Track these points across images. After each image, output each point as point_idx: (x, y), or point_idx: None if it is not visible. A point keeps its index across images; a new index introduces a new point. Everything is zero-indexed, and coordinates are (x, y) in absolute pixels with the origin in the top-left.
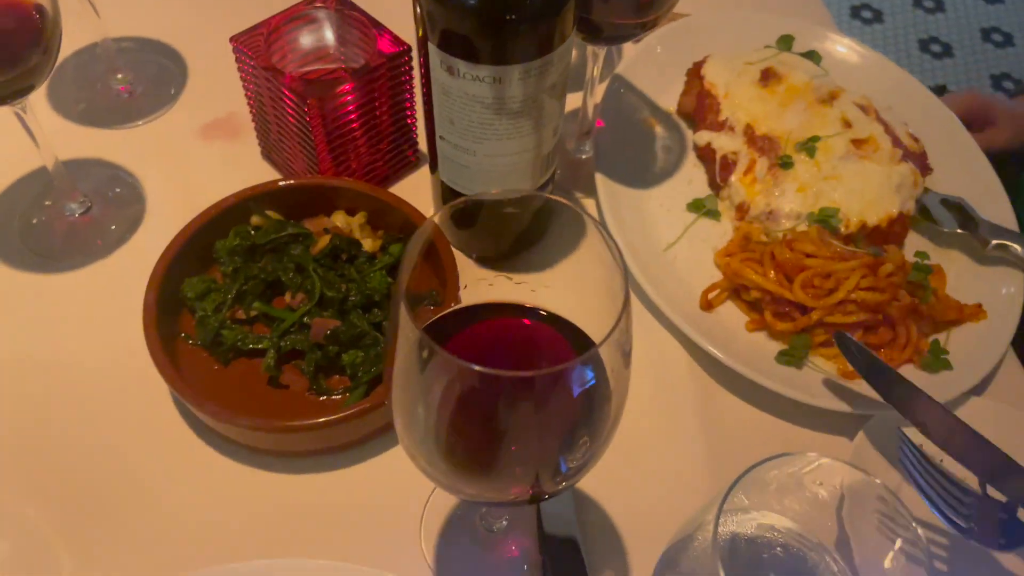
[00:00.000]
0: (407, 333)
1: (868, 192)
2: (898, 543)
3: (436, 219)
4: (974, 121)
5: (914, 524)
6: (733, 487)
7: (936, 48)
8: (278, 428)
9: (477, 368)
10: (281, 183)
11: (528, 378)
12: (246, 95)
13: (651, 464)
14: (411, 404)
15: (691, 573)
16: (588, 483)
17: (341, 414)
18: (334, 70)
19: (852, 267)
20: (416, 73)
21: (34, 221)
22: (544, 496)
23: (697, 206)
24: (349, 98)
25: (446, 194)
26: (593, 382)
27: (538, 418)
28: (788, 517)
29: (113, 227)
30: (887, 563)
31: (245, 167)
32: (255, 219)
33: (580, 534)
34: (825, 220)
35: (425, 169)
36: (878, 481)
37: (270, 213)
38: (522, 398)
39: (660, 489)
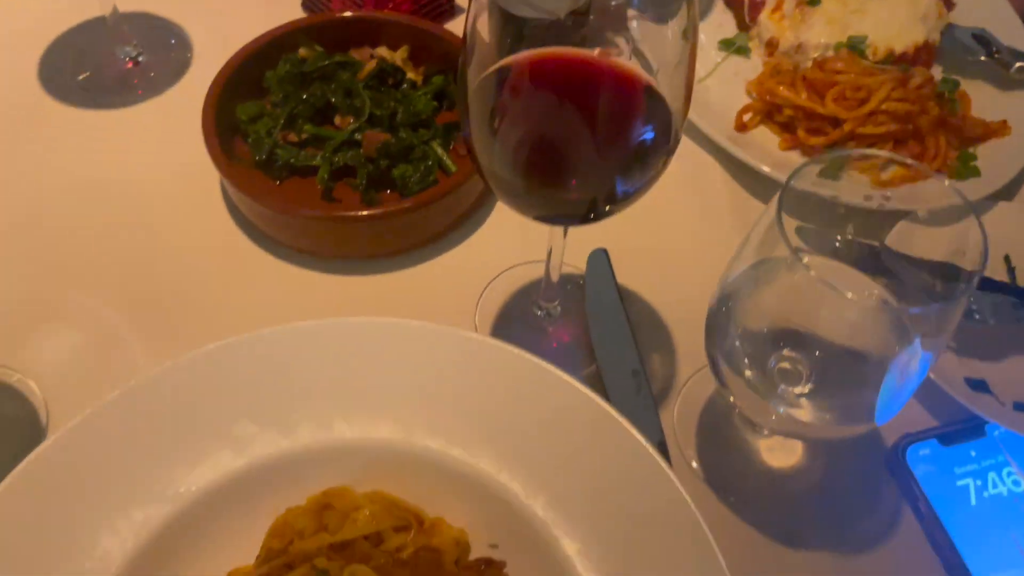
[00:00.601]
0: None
1: (894, 22)
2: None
3: None
4: None
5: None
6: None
7: None
8: (336, 219)
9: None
10: (330, 15)
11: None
12: None
13: (690, 261)
14: (488, 97)
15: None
16: (633, 280)
17: (395, 207)
18: None
19: (882, 80)
20: None
21: (88, 64)
22: (595, 213)
23: (728, 44)
24: None
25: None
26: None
27: (602, 107)
28: (827, 254)
29: (161, 71)
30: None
31: (287, 18)
32: (302, 51)
33: (629, 322)
34: (854, 46)
35: (461, 19)
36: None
37: (316, 47)
38: (590, 81)
39: (699, 283)
